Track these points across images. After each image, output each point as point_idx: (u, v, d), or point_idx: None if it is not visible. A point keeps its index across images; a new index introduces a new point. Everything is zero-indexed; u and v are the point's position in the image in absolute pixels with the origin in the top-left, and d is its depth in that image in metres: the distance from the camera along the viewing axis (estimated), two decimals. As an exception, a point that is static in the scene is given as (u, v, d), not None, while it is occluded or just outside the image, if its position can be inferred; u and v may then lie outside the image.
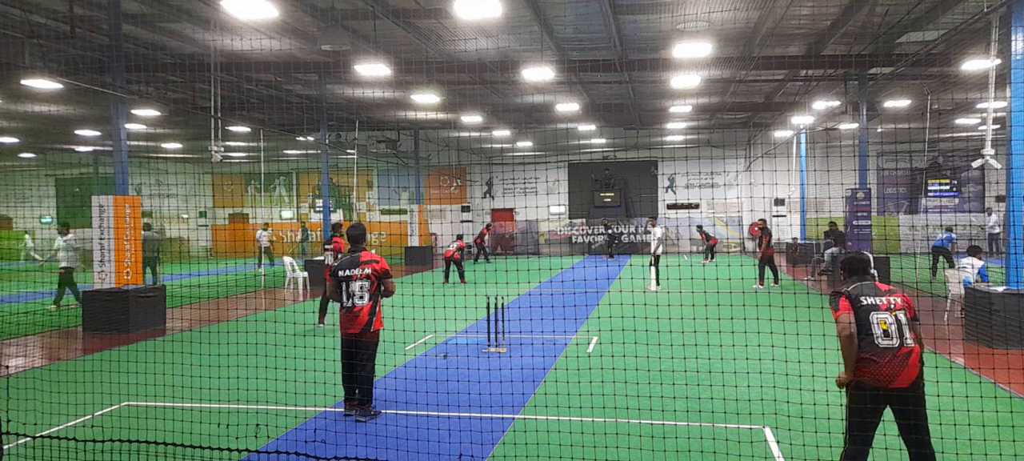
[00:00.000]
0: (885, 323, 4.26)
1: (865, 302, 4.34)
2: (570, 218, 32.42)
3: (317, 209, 34.01)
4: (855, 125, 20.59)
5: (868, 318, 4.29)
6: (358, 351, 6.56)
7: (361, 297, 6.51)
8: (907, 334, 4.26)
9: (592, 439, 5.95)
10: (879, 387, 4.21)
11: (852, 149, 24.84)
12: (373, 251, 7.05)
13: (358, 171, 27.15)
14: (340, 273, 6.61)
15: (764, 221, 17.27)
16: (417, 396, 7.23)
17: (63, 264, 14.57)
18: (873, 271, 4.80)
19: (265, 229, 26.78)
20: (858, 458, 4.37)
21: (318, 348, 8.94)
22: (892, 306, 4.32)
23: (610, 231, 29.63)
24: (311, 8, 12.46)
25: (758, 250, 17.18)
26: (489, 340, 9.96)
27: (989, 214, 26.37)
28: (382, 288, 6.66)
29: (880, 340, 4.23)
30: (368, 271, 6.56)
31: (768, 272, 16.83)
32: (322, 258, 19.83)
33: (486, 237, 28.12)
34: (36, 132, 25.85)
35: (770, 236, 16.85)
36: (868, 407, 4.28)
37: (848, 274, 4.64)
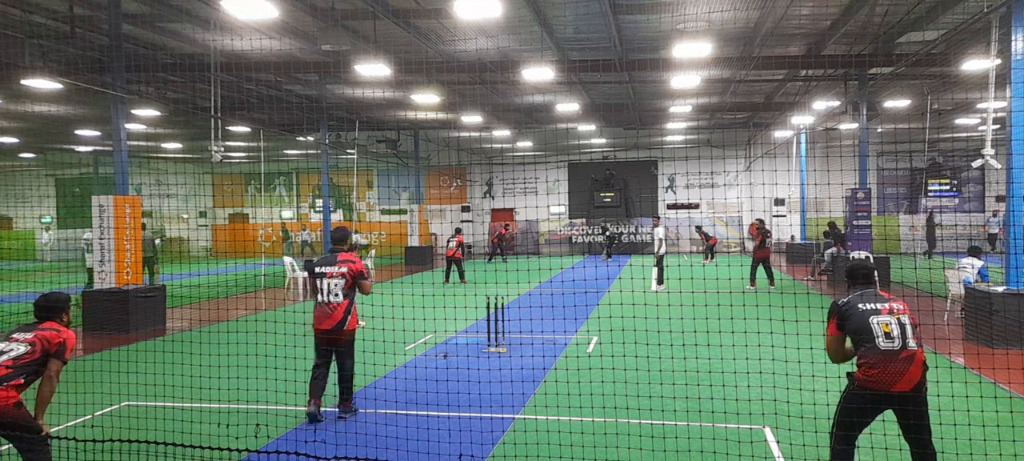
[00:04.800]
0: (887, 326, 4.24)
1: (862, 307, 4.35)
2: (570, 218, 32.42)
3: (317, 209, 34.02)
4: (855, 125, 20.60)
5: (868, 322, 4.29)
6: (336, 348, 6.64)
7: (336, 295, 6.55)
8: (909, 337, 4.24)
9: (592, 439, 5.95)
10: (881, 390, 4.21)
11: (852, 149, 24.86)
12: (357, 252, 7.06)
13: (358, 171, 27.16)
14: (316, 270, 6.68)
15: (761, 221, 17.24)
16: (417, 396, 7.23)
17: None
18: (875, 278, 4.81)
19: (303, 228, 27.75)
20: (844, 457, 4.38)
21: (318, 348, 8.93)
22: (894, 310, 4.32)
23: (608, 232, 29.65)
24: (311, 8, 12.46)
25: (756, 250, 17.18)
26: (489, 340, 9.96)
27: (994, 215, 26.44)
28: (357, 288, 6.70)
29: (882, 342, 4.22)
30: (344, 270, 6.59)
31: (762, 273, 16.75)
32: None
33: (504, 237, 28.10)
34: (36, 132, 25.85)
35: (764, 236, 16.76)
36: (864, 408, 4.30)
37: (851, 282, 4.64)
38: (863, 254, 16.35)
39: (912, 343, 4.23)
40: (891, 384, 4.17)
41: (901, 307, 4.36)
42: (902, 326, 4.25)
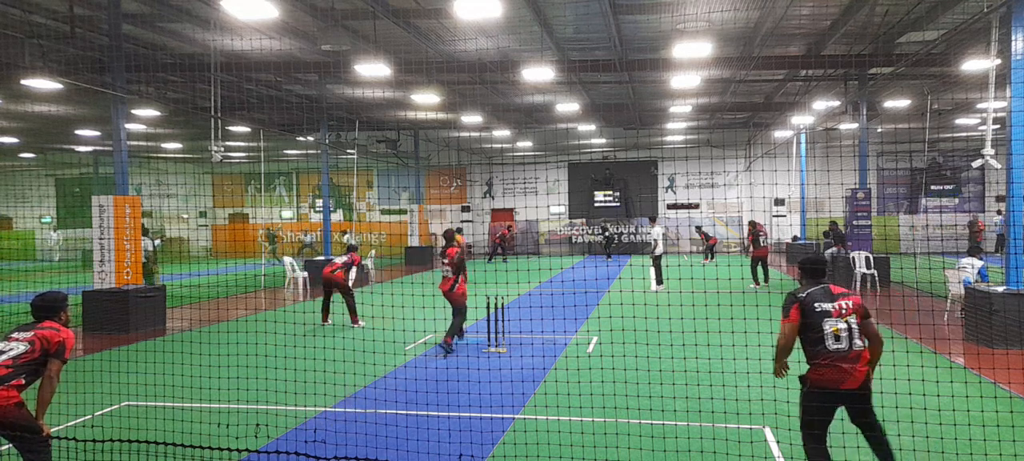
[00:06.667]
0: (837, 329, 4.46)
1: (818, 309, 4.53)
2: (570, 218, 32.42)
3: (317, 209, 34.00)
4: (855, 125, 20.59)
5: (821, 324, 4.49)
6: (452, 304, 9.73)
7: (447, 271, 9.70)
8: (856, 338, 4.46)
9: (592, 439, 5.95)
10: (832, 389, 4.44)
11: (852, 149, 24.85)
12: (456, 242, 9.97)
13: (358, 171, 27.15)
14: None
15: (752, 223, 17.41)
16: (417, 396, 7.23)
17: None
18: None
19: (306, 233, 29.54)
20: (818, 456, 4.55)
21: (318, 348, 8.94)
22: (843, 311, 4.50)
23: (607, 233, 29.64)
24: (311, 8, 12.46)
25: (751, 250, 17.35)
26: (489, 340, 9.96)
27: (999, 213, 26.46)
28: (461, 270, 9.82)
29: (831, 344, 4.44)
30: (447, 261, 9.70)
31: (760, 272, 16.85)
32: (321, 258, 19.88)
33: (507, 237, 28.07)
34: (36, 132, 25.84)
35: (756, 236, 16.91)
36: (822, 407, 4.53)
37: (805, 276, 4.81)
38: (863, 255, 16.37)
39: (858, 343, 4.46)
40: (840, 383, 4.41)
41: (850, 305, 4.53)
42: (850, 331, 4.46)
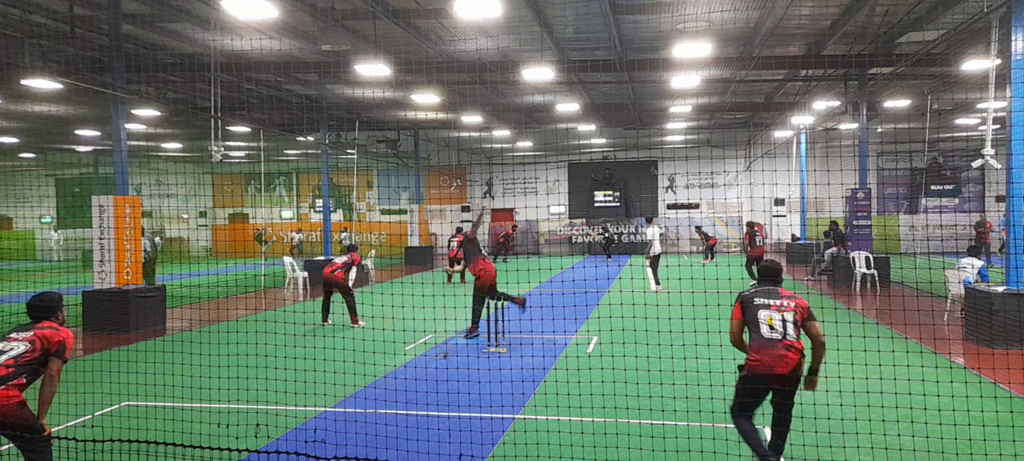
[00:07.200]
0: (771, 320, 4.98)
1: (756, 302, 5.10)
2: (570, 218, 32.42)
3: (317, 209, 34.00)
4: (855, 125, 20.59)
5: (757, 315, 5.05)
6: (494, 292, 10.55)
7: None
8: (790, 331, 4.93)
9: (592, 439, 5.95)
10: (765, 373, 4.90)
11: (852, 149, 24.85)
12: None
13: (358, 171, 27.15)
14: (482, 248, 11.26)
15: (751, 223, 17.52)
16: (417, 396, 7.23)
17: None
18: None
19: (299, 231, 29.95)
20: (749, 432, 5.05)
21: (318, 348, 8.94)
22: (782, 308, 5.00)
23: (606, 234, 29.63)
24: (311, 8, 12.46)
25: (749, 250, 17.45)
26: (489, 340, 9.96)
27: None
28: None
29: (766, 332, 4.96)
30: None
31: (756, 271, 16.92)
32: (321, 258, 19.87)
33: (511, 237, 28.09)
34: (36, 132, 25.85)
35: (751, 236, 17.14)
36: (755, 389, 4.99)
37: (760, 278, 5.42)
38: (863, 255, 16.37)
39: (792, 335, 4.93)
40: (773, 367, 4.87)
41: (791, 305, 5.01)
42: (784, 322, 4.95)
